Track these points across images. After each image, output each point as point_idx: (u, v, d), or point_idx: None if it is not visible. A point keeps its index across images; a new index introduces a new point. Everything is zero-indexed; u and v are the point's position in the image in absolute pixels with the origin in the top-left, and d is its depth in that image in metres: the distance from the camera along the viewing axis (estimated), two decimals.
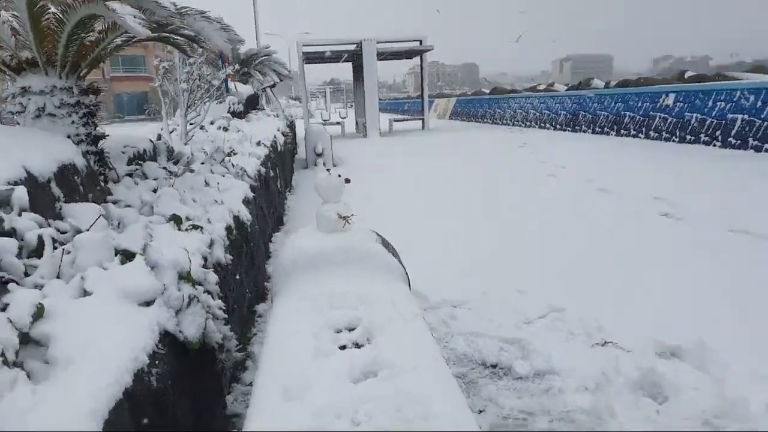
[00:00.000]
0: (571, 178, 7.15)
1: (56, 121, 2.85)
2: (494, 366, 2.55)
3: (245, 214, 3.40)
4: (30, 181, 2.08)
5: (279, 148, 7.26)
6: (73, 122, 2.90)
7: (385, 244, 2.12)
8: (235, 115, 8.15)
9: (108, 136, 3.23)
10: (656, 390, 2.23)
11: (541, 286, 3.41)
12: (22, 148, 2.28)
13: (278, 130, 7.78)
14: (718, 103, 8.93)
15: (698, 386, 2.20)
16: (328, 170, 1.97)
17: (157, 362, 1.49)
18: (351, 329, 1.68)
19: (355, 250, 1.92)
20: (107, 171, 3.19)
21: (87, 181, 2.50)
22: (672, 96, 9.91)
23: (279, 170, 6.67)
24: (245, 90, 8.77)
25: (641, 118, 10.79)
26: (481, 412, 2.19)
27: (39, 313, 1.43)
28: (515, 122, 17.09)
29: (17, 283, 1.59)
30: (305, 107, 19.68)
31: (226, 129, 7.32)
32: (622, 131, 11.38)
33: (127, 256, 1.84)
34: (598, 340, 2.66)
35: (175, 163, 4.11)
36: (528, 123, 16.15)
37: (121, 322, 1.51)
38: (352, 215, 1.96)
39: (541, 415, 2.13)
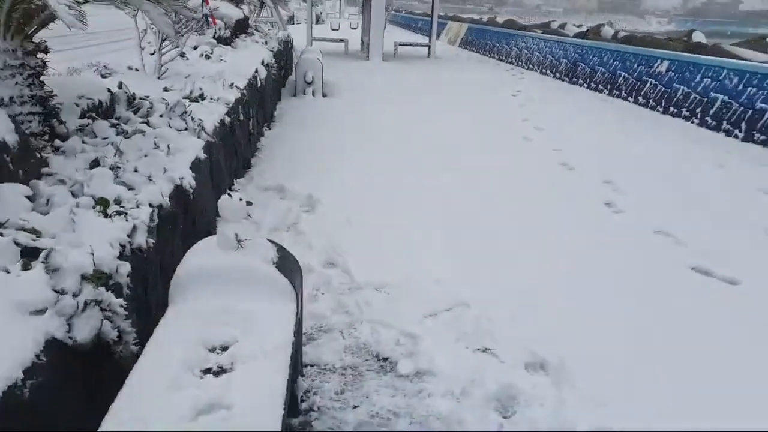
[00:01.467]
0: (542, 146, 7.22)
1: (1, 82, 2.94)
2: (385, 359, 2.84)
3: (189, 181, 3.56)
4: None
5: (260, 84, 7.24)
6: (16, 83, 2.99)
7: (284, 258, 2.32)
8: (221, 40, 8.04)
9: (55, 95, 3.32)
10: (510, 403, 2.53)
11: (461, 273, 3.66)
12: None
13: (262, 63, 7.72)
14: (705, 80, 8.83)
15: (544, 404, 2.50)
16: (229, 193, 2.12)
17: (34, 375, 1.71)
18: (225, 348, 1.93)
19: (248, 270, 2.12)
20: (57, 125, 3.33)
21: (19, 156, 2.63)
22: (665, 63, 9.73)
23: (255, 109, 6.72)
24: (234, 13, 8.58)
25: (634, 81, 10.63)
26: (355, 407, 2.49)
27: None
28: (519, 62, 16.73)
29: None
30: (310, 14, 19.14)
31: (208, 57, 7.28)
32: (615, 91, 11.24)
33: (32, 257, 2.04)
34: (481, 345, 2.93)
35: (136, 111, 4.22)
36: (531, 66, 15.83)
37: (5, 335, 1.72)
38: (246, 239, 2.15)
39: (403, 416, 2.43)
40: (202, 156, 4.01)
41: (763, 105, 7.74)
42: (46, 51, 3.22)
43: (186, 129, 4.25)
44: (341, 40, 19.51)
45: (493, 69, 16.35)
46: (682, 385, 2.68)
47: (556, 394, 2.57)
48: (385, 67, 15.41)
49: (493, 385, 2.60)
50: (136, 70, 6.06)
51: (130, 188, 2.92)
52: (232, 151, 5.26)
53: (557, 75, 14.05)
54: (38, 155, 2.86)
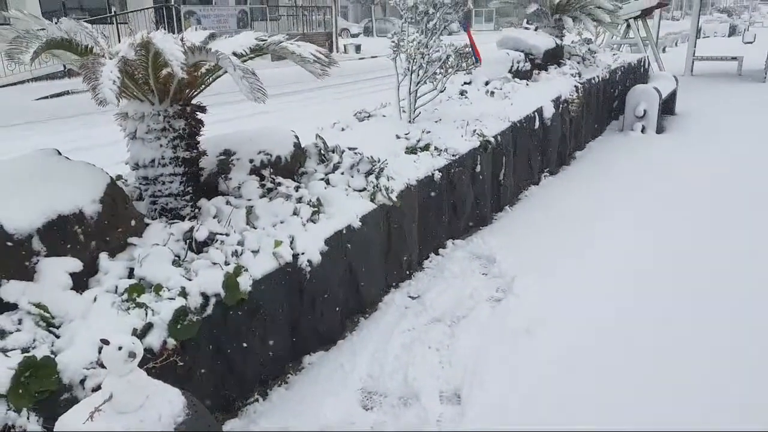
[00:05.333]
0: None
1: (145, 144, 3.04)
2: None
3: (311, 257, 3.09)
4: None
5: (539, 124, 6.27)
6: (161, 146, 3.04)
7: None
8: (519, 74, 7.31)
9: (206, 155, 3.30)
10: None
11: None
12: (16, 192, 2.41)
13: (556, 98, 6.67)
14: None
15: None
16: (104, 339, 1.55)
17: None
18: None
19: None
20: (222, 182, 3.39)
21: (98, 226, 2.57)
22: None
23: (526, 155, 5.81)
24: (543, 43, 7.68)
25: None
26: None
27: None
28: None
29: None
30: (695, 24, 16.24)
31: (492, 94, 6.66)
32: None
33: None
34: None
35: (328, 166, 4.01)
36: None
37: None
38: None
39: None
40: (357, 225, 3.47)
41: None
42: (202, 111, 3.22)
43: (354, 190, 3.79)
44: (734, 58, 15.94)
45: None
46: None
47: None
48: None
49: None
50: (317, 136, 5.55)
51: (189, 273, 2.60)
52: (444, 209, 4.55)
53: None
54: (133, 222, 2.82)
